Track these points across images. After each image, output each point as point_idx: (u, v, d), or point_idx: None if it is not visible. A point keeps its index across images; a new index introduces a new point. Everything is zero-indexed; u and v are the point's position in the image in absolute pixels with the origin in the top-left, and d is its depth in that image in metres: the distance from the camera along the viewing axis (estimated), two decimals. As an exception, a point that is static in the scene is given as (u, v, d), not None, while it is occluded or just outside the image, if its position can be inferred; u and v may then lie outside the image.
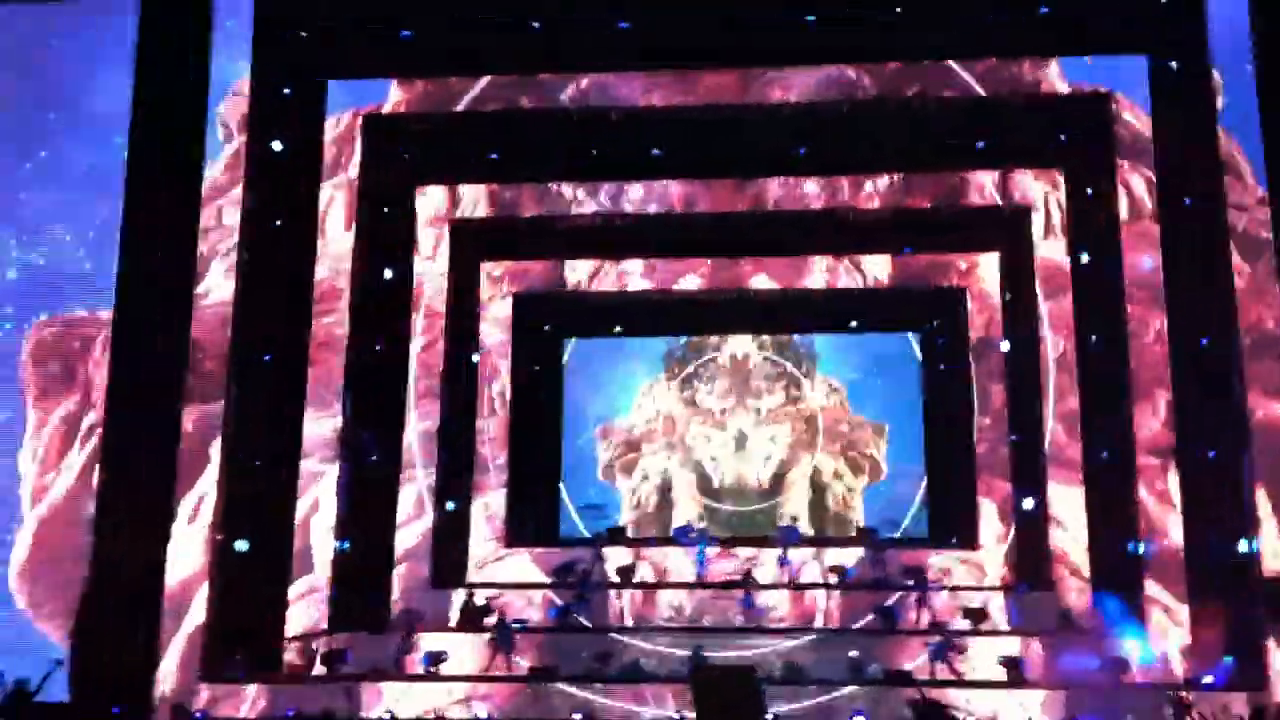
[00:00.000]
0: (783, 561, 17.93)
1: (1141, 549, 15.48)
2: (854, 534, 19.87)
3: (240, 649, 14.38)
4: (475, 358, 19.44)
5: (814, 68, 19.28)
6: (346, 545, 16.42)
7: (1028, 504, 17.66)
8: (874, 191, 19.53)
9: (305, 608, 16.57)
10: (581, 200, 19.37)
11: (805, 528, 19.88)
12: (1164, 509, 15.31)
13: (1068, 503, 17.24)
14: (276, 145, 15.54)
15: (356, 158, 17.50)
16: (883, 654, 15.32)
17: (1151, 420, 15.81)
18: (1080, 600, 16.43)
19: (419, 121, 18.59)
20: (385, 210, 17.63)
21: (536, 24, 15.97)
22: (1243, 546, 13.74)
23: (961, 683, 14.29)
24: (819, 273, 20.93)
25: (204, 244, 16.55)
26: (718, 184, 19.46)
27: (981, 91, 19.28)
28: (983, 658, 14.76)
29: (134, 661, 13.02)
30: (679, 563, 18.45)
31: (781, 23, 16.05)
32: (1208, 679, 13.85)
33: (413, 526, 17.88)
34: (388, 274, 17.27)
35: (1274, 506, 16.88)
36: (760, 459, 21.59)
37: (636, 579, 17.86)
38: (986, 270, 19.89)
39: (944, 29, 16.06)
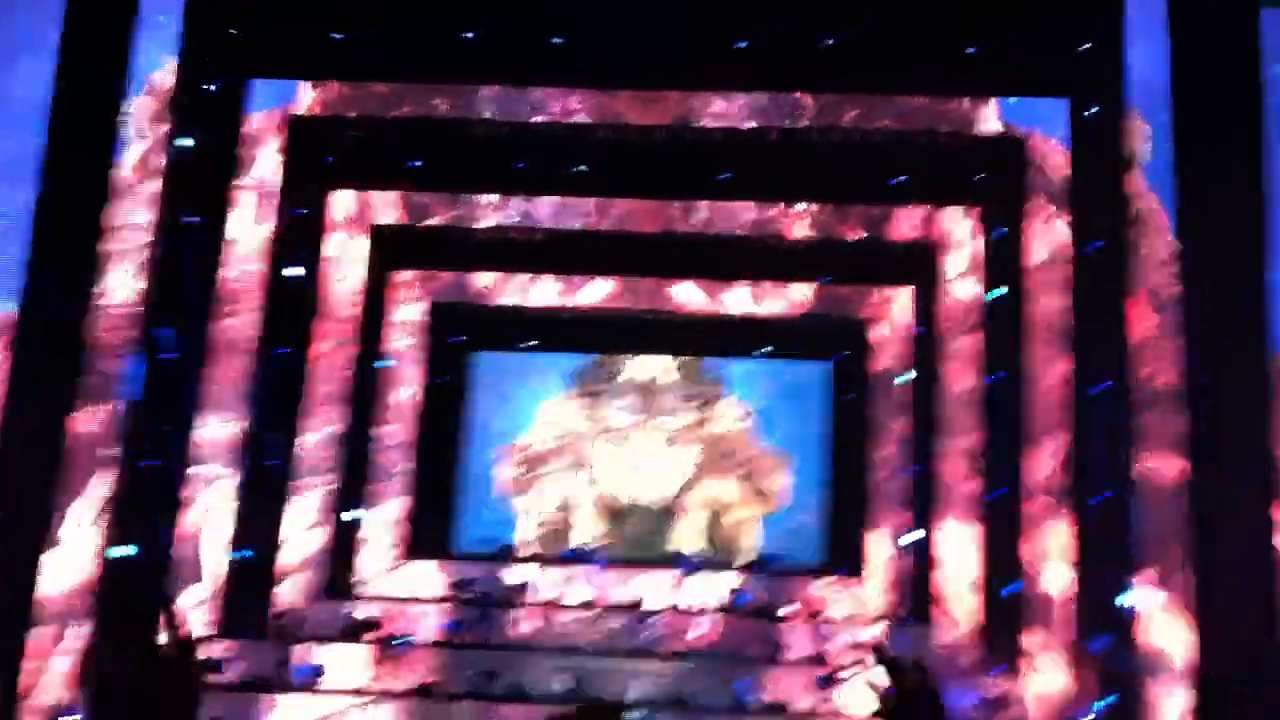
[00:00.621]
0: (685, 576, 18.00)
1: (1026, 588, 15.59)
2: (749, 561, 19.93)
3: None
4: (380, 365, 19.25)
5: (743, 94, 19.33)
6: (240, 554, 16.19)
7: (911, 537, 17.81)
8: (796, 220, 19.51)
9: (194, 616, 16.18)
10: (500, 212, 19.19)
11: (703, 552, 19.88)
12: (1053, 551, 15.39)
13: (958, 539, 17.30)
14: (188, 142, 15.26)
15: (267, 159, 17.20)
16: (770, 682, 15.31)
17: (1049, 462, 15.90)
18: (959, 636, 16.48)
19: (338, 125, 18.40)
20: (297, 213, 17.48)
21: (469, 34, 15.94)
22: (1121, 599, 13.85)
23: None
24: (736, 297, 20.92)
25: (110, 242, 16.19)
26: (640, 203, 19.40)
27: (907, 127, 19.39)
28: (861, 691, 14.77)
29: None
30: (574, 583, 18.37)
31: (711, 47, 16.10)
32: (1089, 719, 13.96)
33: (307, 535, 17.58)
34: (294, 275, 17.09)
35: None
36: (663, 480, 21.56)
37: (529, 599, 17.74)
38: (900, 301, 20.04)
39: (871, 63, 16.16)
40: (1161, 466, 14.01)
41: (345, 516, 18.14)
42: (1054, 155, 17.11)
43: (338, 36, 16.16)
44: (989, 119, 17.48)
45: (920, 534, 17.78)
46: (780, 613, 17.07)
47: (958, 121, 17.53)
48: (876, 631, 16.41)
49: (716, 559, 20.17)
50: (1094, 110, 15.79)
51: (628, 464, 21.67)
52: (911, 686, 3.48)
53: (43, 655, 13.77)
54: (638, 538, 21.21)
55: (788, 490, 21.37)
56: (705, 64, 16.34)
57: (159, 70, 16.09)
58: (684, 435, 21.88)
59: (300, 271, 17.16)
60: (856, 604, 18.28)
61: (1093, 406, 15.00)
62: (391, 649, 15.70)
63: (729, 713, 14.56)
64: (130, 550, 14.22)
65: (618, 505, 21.52)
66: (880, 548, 19.16)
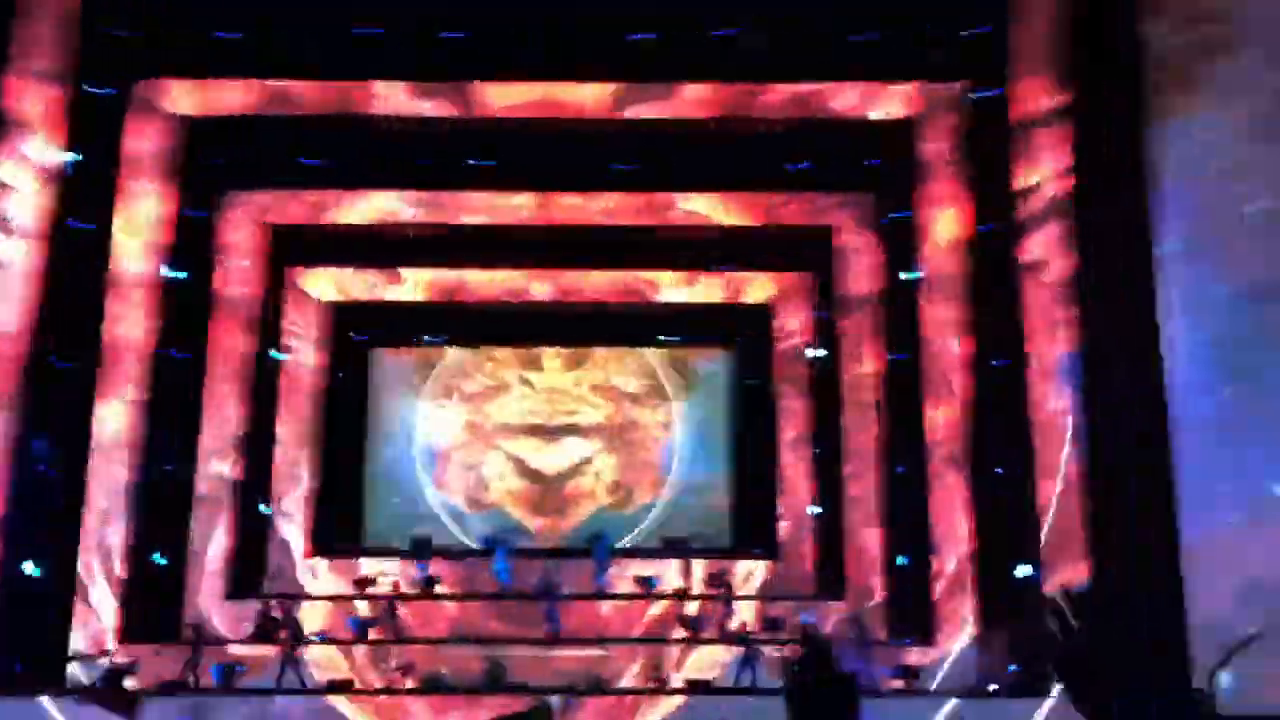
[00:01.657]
0: (598, 570, 18.07)
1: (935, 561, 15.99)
2: (661, 544, 20.06)
3: (24, 664, 13.75)
4: (276, 355, 19.00)
5: (639, 84, 19.39)
6: (153, 557, 16.01)
7: (814, 510, 18.25)
8: (692, 209, 19.69)
9: (94, 620, 15.79)
10: (395, 209, 19.04)
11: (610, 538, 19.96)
12: (956, 521, 15.80)
13: (864, 516, 17.66)
14: (69, 156, 14.92)
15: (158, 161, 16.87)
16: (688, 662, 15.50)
17: (948, 435, 16.30)
18: (869, 609, 16.85)
19: (233, 124, 18.10)
20: (192, 214, 17.23)
21: (360, 31, 15.89)
22: (1020, 571, 14.31)
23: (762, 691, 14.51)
24: (636, 287, 21.05)
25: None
26: (536, 196, 19.40)
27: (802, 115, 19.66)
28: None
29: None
30: (485, 573, 18.37)
31: (608, 40, 16.25)
32: (993, 686, 14.39)
33: (209, 535, 17.30)
34: (178, 276, 16.87)
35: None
36: (568, 469, 21.70)
37: (438, 590, 17.71)
38: (800, 287, 20.38)
39: (761, 54, 16.45)
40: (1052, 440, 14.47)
41: (263, 509, 17.99)
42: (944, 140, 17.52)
43: (224, 35, 16.02)
44: (881, 105, 17.81)
45: (818, 510, 18.15)
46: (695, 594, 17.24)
47: (851, 109, 17.84)
48: (790, 608, 16.65)
49: (628, 545, 20.27)
50: (982, 94, 16.32)
51: (534, 454, 21.74)
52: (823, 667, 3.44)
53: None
54: (546, 526, 21.28)
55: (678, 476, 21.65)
56: (601, 57, 16.52)
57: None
58: (589, 428, 22.02)
59: (183, 274, 16.89)
60: (770, 583, 18.53)
61: (989, 379, 15.51)
62: (303, 646, 15.53)
63: (647, 694, 14.65)
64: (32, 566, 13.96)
65: (523, 496, 21.54)
66: (789, 527, 19.44)
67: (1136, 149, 13.84)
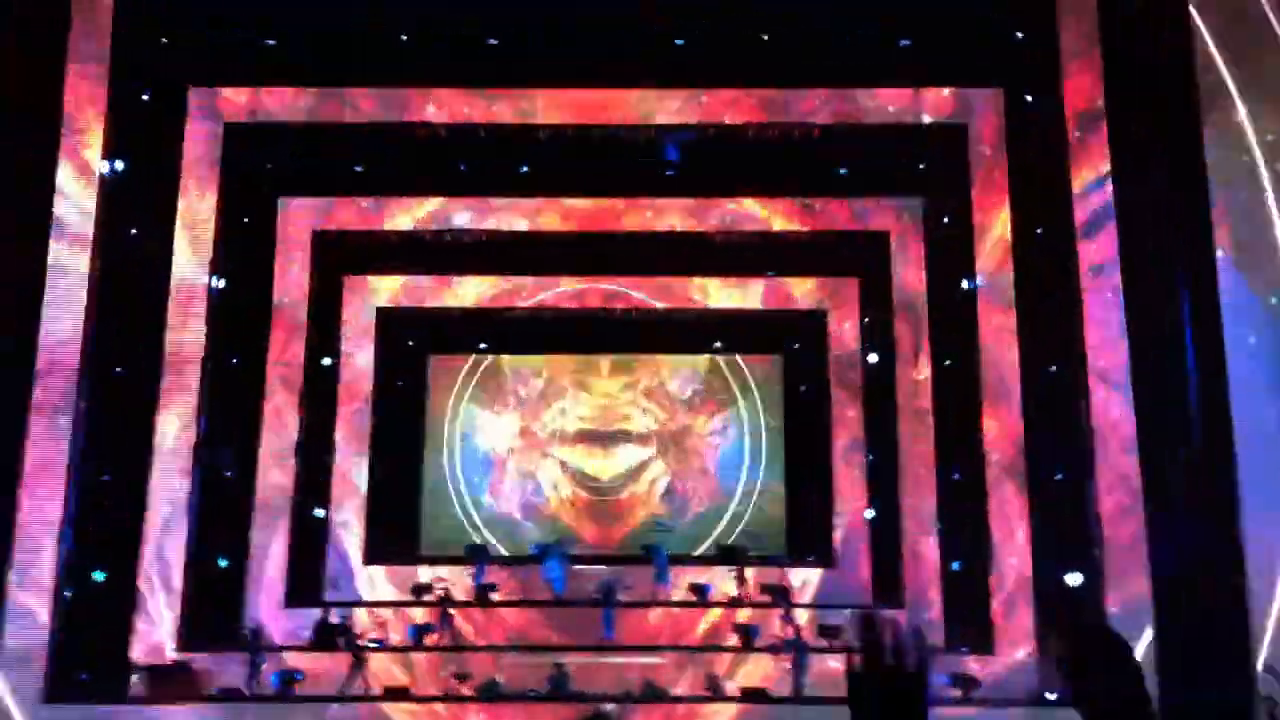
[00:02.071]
0: (659, 577, 18.07)
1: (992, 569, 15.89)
2: (717, 552, 20.05)
3: (86, 671, 13.93)
4: (327, 361, 19.11)
5: (683, 90, 19.37)
6: (205, 565, 16.16)
7: (869, 514, 18.22)
8: (740, 214, 19.68)
9: (155, 626, 15.97)
10: (447, 215, 19.15)
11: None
12: (1014, 530, 15.71)
13: (921, 524, 17.59)
14: (123, 163, 15.07)
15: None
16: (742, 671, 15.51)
17: (1004, 442, 16.21)
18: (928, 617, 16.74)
19: (283, 131, 18.24)
20: (245, 221, 17.38)
21: (405, 37, 15.98)
22: (1071, 579, 14.22)
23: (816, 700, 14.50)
24: (686, 294, 21.06)
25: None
26: (585, 203, 19.46)
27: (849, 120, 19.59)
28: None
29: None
30: (540, 581, 18.44)
31: (648, 45, 16.25)
32: (1051, 695, 14.28)
33: (268, 544, 17.45)
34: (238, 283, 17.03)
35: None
36: (624, 478, 21.71)
37: (496, 597, 17.78)
38: (852, 292, 20.32)
39: (806, 58, 16.40)
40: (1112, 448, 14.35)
41: (318, 513, 18.14)
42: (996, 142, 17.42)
43: (272, 43, 16.16)
44: (930, 108, 17.72)
45: (872, 514, 18.10)
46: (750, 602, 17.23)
47: (899, 113, 17.76)
48: (846, 616, 16.57)
49: (682, 552, 20.24)
50: (1028, 98, 16.22)
51: (589, 464, 21.78)
52: (889, 668, 2.88)
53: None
54: (601, 533, 21.32)
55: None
56: (644, 62, 16.53)
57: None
58: (645, 436, 22.03)
59: (238, 282, 17.05)
60: (826, 591, 18.48)
61: (1044, 385, 15.39)
62: (363, 653, 15.65)
63: (704, 702, 14.67)
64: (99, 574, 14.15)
65: (579, 505, 21.59)
66: (846, 535, 19.37)
67: (1189, 150, 13.78)
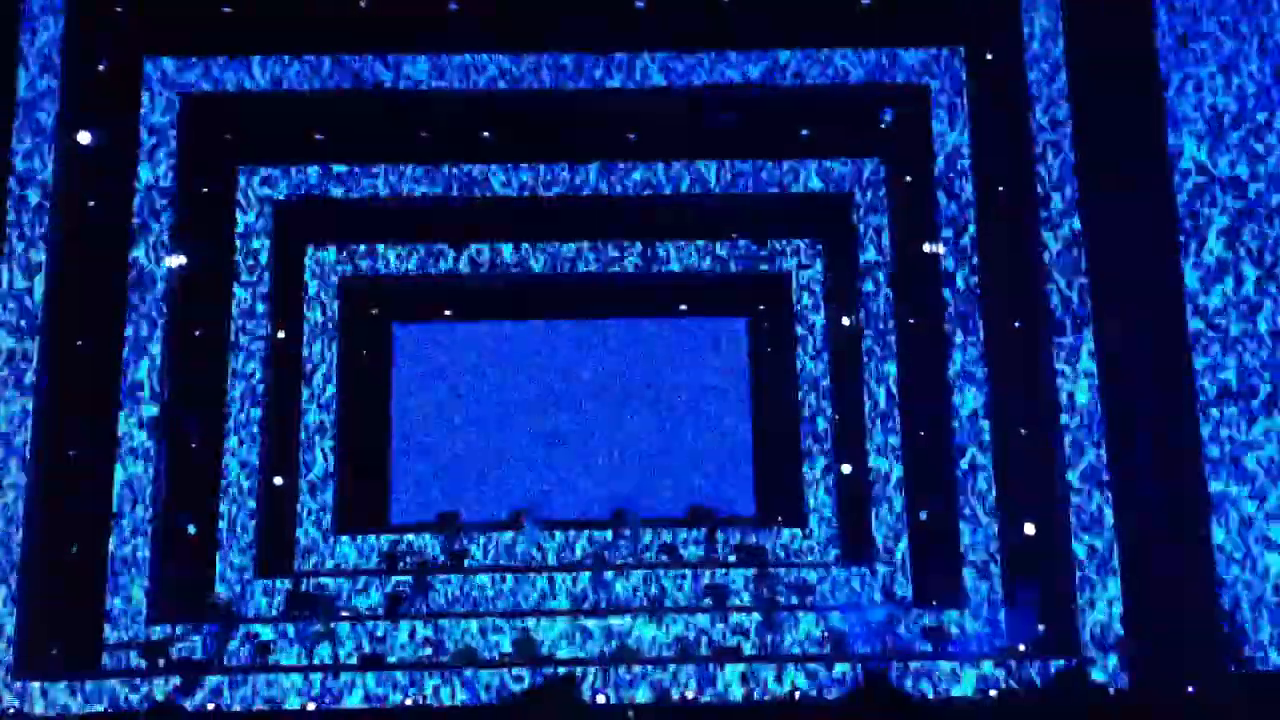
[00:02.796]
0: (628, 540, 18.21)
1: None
2: (687, 514, 20.12)
3: (56, 644, 13.92)
4: (280, 335, 19.02)
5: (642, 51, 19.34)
6: (185, 529, 16.19)
7: (845, 469, 18.54)
8: (701, 176, 19.66)
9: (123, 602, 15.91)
10: (410, 183, 19.05)
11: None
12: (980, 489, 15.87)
13: (889, 482, 17.71)
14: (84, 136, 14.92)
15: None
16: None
17: (970, 401, 16.33)
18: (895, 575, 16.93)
19: (242, 102, 18.08)
20: (205, 191, 17.26)
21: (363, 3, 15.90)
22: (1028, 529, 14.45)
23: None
24: (647, 257, 20.99)
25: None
26: (546, 167, 19.40)
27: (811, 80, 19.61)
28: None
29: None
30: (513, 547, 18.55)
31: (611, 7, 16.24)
32: (1021, 647, 14.52)
33: (236, 515, 17.40)
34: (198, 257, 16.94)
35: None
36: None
37: (467, 563, 17.82)
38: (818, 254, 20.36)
39: (766, 18, 16.42)
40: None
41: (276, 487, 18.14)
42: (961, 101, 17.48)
43: (227, 10, 16.04)
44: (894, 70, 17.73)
45: (848, 468, 18.25)
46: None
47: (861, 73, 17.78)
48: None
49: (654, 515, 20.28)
50: (989, 57, 16.33)
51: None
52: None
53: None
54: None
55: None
56: (604, 24, 16.50)
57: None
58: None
59: (198, 255, 16.94)
60: (796, 551, 18.61)
61: (1006, 340, 15.57)
62: (333, 622, 15.67)
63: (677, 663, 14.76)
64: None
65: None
66: (813, 495, 19.47)
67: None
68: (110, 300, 15.69)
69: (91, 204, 15.29)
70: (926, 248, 16.79)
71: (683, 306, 21.93)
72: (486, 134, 18.20)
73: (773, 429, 20.64)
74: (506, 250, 20.25)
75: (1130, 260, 14.53)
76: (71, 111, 15.03)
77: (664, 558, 17.79)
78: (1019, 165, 15.60)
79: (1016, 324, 15.58)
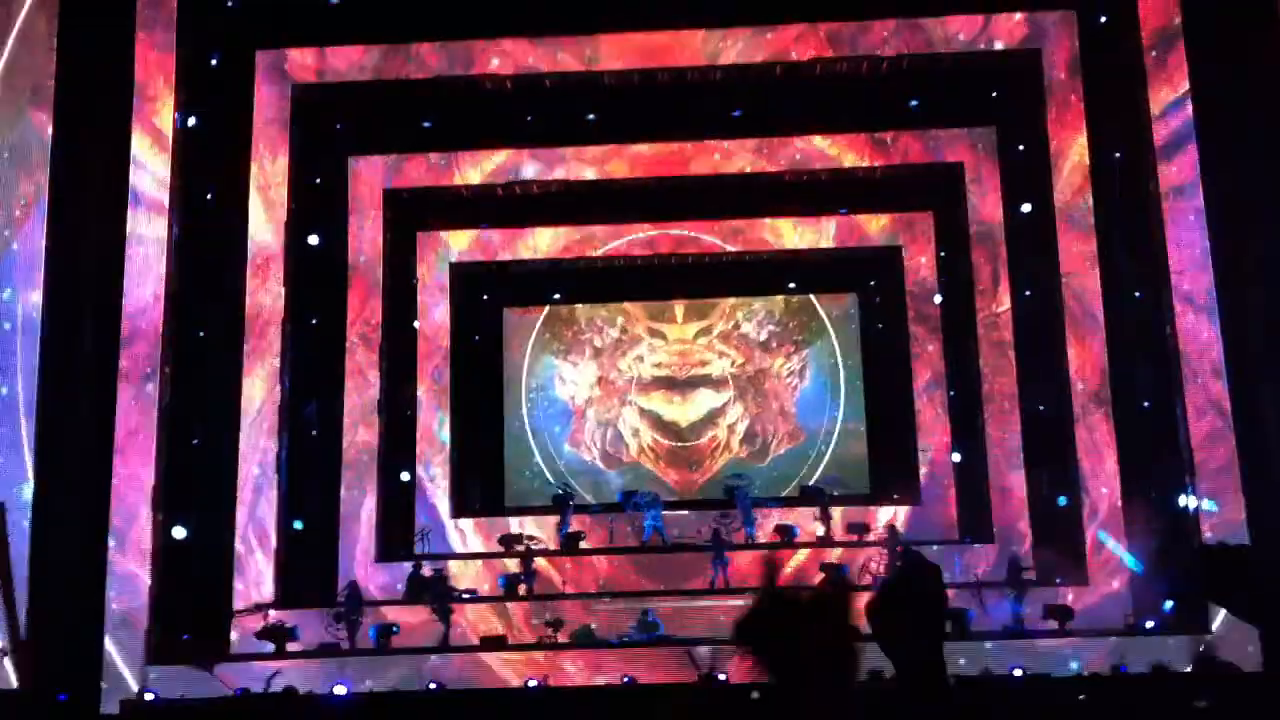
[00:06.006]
0: (745, 521, 18.13)
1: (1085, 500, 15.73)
2: (800, 493, 20.00)
3: (187, 631, 14.21)
4: (415, 325, 19.29)
5: (747, 29, 19.12)
6: (297, 523, 16.44)
7: (956, 457, 18.08)
8: (810, 152, 19.44)
9: (251, 588, 16.25)
10: (516, 167, 19.11)
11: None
12: (1103, 459, 15.51)
13: (1008, 455, 17.41)
14: (191, 120, 15.16)
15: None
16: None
17: (1090, 372, 15.98)
18: (1019, 550, 16.60)
19: (351, 91, 18.27)
20: (318, 181, 17.50)
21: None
22: (1182, 502, 13.98)
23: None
24: (757, 236, 20.87)
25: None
26: (653, 149, 19.34)
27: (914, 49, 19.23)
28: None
29: (80, 649, 12.88)
30: (626, 528, 18.59)
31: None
32: (1149, 624, 14.16)
33: (358, 500, 17.70)
34: (316, 243, 17.18)
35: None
36: (703, 423, 21.68)
37: (584, 545, 17.94)
38: (926, 226, 20.05)
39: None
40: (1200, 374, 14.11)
41: (400, 478, 18.34)
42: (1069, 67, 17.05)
43: (334, 2, 16.17)
44: (1001, 35, 17.33)
45: (956, 456, 17.97)
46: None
47: (970, 40, 17.40)
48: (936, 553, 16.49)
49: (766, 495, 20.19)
50: (1102, 19, 15.85)
51: (668, 409, 21.77)
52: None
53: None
54: (684, 481, 21.34)
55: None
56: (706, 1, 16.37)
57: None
58: (722, 380, 21.96)
59: (316, 240, 17.20)
60: (913, 529, 18.37)
61: (1129, 313, 15.13)
62: (455, 604, 15.86)
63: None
64: (182, 531, 14.35)
65: (660, 450, 21.60)
66: (930, 472, 19.22)
67: (1269, 66, 13.43)
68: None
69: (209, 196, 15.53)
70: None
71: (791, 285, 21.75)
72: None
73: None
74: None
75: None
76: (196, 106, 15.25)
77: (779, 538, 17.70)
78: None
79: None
